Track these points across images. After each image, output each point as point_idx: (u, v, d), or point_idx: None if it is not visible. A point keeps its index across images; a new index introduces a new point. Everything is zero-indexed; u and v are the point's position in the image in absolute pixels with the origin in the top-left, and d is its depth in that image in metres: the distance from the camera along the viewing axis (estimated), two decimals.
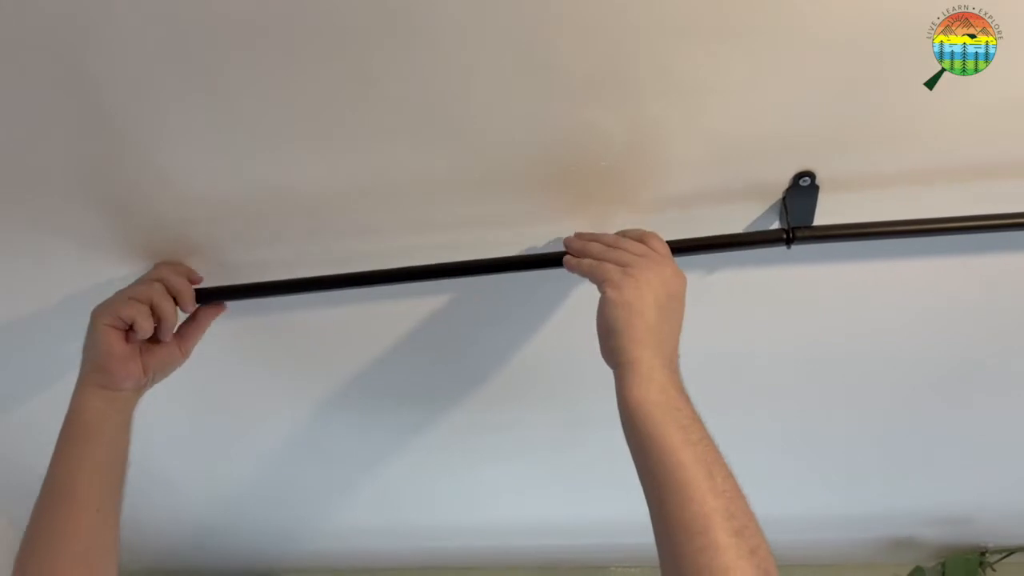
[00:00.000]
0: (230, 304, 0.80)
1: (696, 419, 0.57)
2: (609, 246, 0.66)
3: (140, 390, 0.72)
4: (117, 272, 0.78)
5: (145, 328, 0.69)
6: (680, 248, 0.70)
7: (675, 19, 0.56)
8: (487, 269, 0.73)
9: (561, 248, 0.70)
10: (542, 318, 0.85)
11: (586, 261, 0.65)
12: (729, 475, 0.54)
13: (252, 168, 0.69)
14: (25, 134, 0.65)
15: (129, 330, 0.69)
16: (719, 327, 0.85)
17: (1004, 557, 1.23)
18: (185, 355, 0.76)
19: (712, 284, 0.79)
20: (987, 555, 1.25)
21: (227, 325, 0.83)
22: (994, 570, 1.24)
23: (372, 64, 0.60)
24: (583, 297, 0.66)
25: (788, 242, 0.69)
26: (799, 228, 0.69)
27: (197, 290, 0.75)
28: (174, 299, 0.72)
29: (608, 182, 0.70)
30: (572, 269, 0.67)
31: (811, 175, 0.67)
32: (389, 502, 1.23)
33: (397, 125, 0.64)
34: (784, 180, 0.68)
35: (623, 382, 0.59)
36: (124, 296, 0.70)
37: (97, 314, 0.69)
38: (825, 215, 0.69)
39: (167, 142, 0.66)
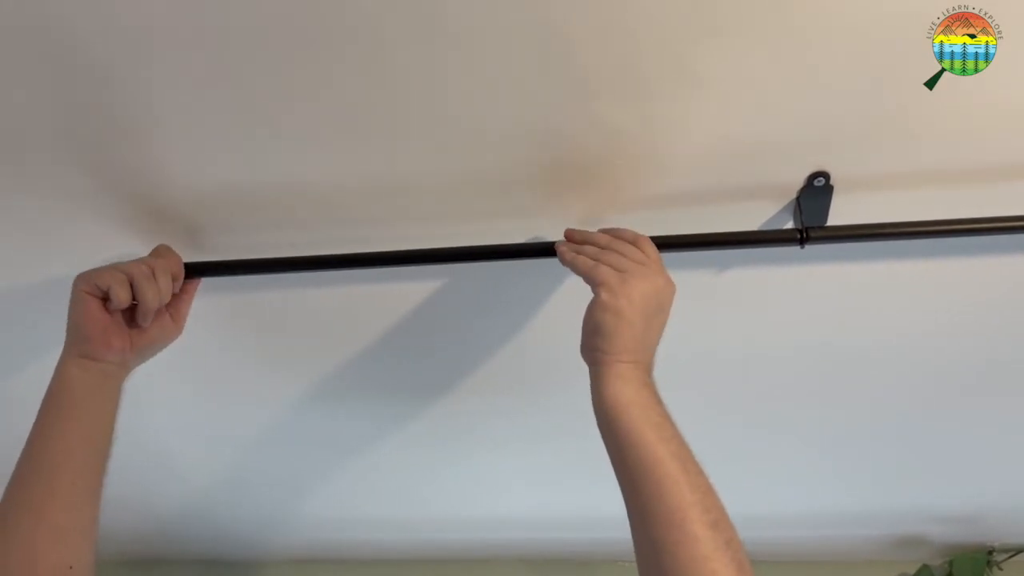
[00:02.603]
0: (223, 287, 0.78)
1: (668, 417, 0.60)
2: (604, 247, 0.66)
3: (126, 364, 0.70)
4: (118, 252, 0.77)
5: (121, 297, 0.66)
6: (692, 244, 0.70)
7: (690, 16, 0.56)
8: (480, 256, 0.73)
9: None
10: (538, 308, 0.85)
11: (581, 259, 0.66)
12: (701, 471, 0.57)
13: (264, 160, 0.69)
14: (33, 106, 0.65)
15: (107, 299, 0.67)
16: (731, 326, 0.85)
17: (1011, 556, 1.24)
18: (179, 327, 0.74)
19: (724, 282, 0.79)
20: (994, 554, 1.25)
21: (216, 310, 0.82)
22: (1001, 569, 1.25)
23: (384, 61, 0.60)
24: (578, 288, 0.66)
25: (802, 242, 0.69)
26: (813, 228, 0.69)
27: (188, 265, 0.73)
28: (167, 281, 0.70)
29: (620, 178, 0.70)
30: (567, 264, 0.67)
31: (826, 175, 0.67)
32: (381, 492, 1.22)
33: (408, 120, 0.65)
34: (798, 180, 0.68)
35: (601, 380, 0.61)
36: (107, 265, 0.68)
37: (76, 279, 0.68)
38: (839, 216, 0.69)
39: (180, 130, 0.66)
